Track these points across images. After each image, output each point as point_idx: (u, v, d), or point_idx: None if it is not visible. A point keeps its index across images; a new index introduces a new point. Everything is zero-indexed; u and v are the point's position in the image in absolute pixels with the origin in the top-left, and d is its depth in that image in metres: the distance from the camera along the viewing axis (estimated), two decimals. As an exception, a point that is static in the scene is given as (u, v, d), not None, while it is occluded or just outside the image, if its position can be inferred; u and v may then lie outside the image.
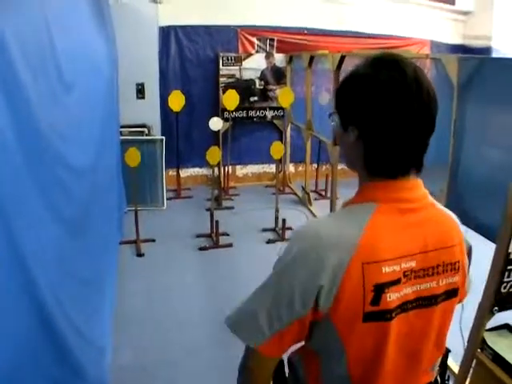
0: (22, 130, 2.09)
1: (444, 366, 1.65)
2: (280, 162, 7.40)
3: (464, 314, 2.48)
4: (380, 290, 1.27)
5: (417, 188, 1.37)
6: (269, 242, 6.31)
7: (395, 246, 1.30)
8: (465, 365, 2.56)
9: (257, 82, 8.43)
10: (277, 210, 6.60)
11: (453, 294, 1.43)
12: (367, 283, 1.26)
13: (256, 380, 1.47)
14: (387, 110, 1.24)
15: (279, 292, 1.32)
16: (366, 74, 1.30)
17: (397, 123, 1.25)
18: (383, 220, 1.30)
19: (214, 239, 6.24)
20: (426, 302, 1.38)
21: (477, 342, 2.48)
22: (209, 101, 8.41)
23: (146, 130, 7.57)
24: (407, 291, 1.33)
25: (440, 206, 1.45)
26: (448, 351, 1.62)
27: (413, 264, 1.32)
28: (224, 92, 7.78)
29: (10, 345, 1.90)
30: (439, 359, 1.56)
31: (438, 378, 1.61)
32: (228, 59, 8.17)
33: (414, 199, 1.35)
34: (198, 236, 6.43)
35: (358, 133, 1.32)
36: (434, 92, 1.30)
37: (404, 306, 1.34)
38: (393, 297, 1.30)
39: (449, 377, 1.74)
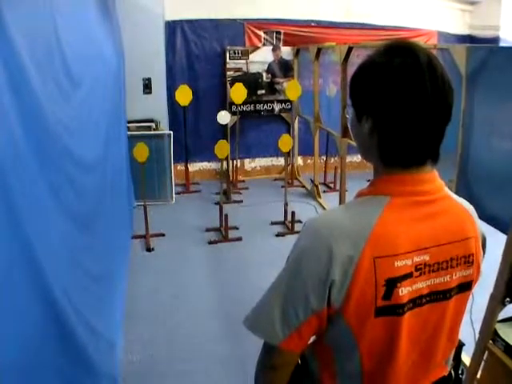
0: (30, 126, 2.09)
1: (458, 360, 1.64)
2: (288, 154, 7.40)
3: (475, 305, 2.47)
4: (392, 284, 1.26)
5: (432, 180, 1.35)
6: (278, 235, 6.31)
7: (408, 239, 1.28)
8: (476, 356, 2.55)
9: (264, 75, 8.42)
10: (286, 203, 6.60)
11: (466, 287, 1.41)
12: (379, 278, 1.25)
13: (281, 377, 1.47)
14: (401, 96, 1.22)
15: (293, 288, 1.31)
16: (378, 61, 1.28)
17: (411, 110, 1.22)
18: (396, 213, 1.28)
19: (223, 233, 6.24)
20: (439, 296, 1.36)
21: (488, 334, 2.47)
22: (216, 95, 8.41)
23: (153, 124, 7.56)
24: (420, 285, 1.32)
25: (456, 198, 1.43)
26: (462, 345, 1.61)
27: (426, 258, 1.31)
28: (231, 86, 7.77)
29: (21, 340, 1.90)
30: (453, 352, 1.55)
31: (452, 372, 1.60)
32: (235, 53, 8.16)
33: (429, 192, 1.32)
34: (207, 230, 6.44)
35: (373, 122, 1.30)
36: (449, 79, 1.28)
37: (417, 301, 1.33)
38: (405, 291, 1.28)
39: (463, 370, 1.72)
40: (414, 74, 1.22)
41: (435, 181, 1.35)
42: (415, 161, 1.30)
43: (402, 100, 1.22)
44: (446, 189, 1.39)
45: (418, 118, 1.23)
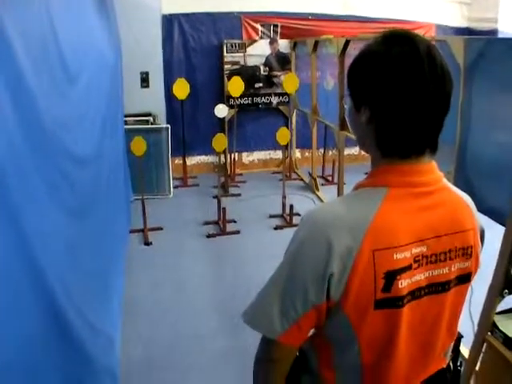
0: (26, 122, 2.08)
1: (456, 352, 1.64)
2: (286, 148, 7.40)
3: (474, 297, 2.47)
4: (391, 276, 1.26)
5: (431, 171, 1.34)
6: (276, 228, 6.32)
7: (407, 231, 1.27)
8: (475, 348, 2.56)
9: (261, 68, 8.41)
10: (284, 196, 6.59)
11: (465, 279, 1.41)
12: (378, 270, 1.24)
13: (280, 371, 1.46)
14: (399, 85, 1.21)
15: (292, 281, 1.31)
16: (376, 50, 1.27)
17: (409, 99, 1.21)
18: (395, 205, 1.28)
19: (221, 226, 6.25)
20: (438, 287, 1.36)
21: (487, 326, 2.47)
22: (214, 88, 8.39)
23: (151, 118, 7.55)
24: (419, 277, 1.31)
25: (455, 190, 1.43)
26: (461, 337, 1.61)
27: (424, 249, 1.30)
28: (229, 79, 7.78)
29: (19, 335, 1.90)
30: (451, 345, 1.55)
31: (451, 364, 1.60)
32: (232, 46, 8.15)
33: (428, 183, 1.31)
34: (206, 223, 6.44)
35: (371, 112, 1.28)
36: (448, 69, 1.26)
37: (416, 293, 1.32)
38: (404, 283, 1.28)
39: (461, 362, 1.72)
40: (413, 62, 1.21)
41: (434, 172, 1.34)
42: (414, 150, 1.29)
43: (400, 89, 1.21)
44: (445, 180, 1.38)
45: (417, 107, 1.22)
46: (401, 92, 1.21)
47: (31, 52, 2.26)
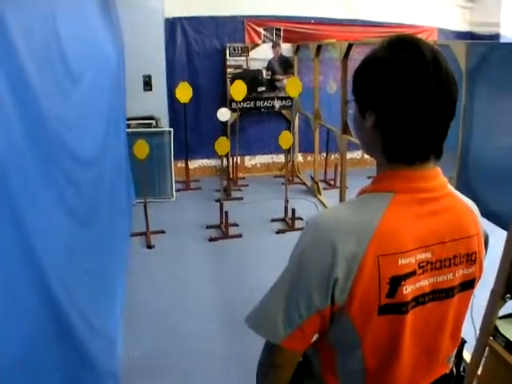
0: (29, 123, 2.09)
1: (459, 357, 1.64)
2: (289, 151, 7.40)
3: (476, 301, 2.47)
4: (396, 282, 1.26)
5: (436, 177, 1.34)
6: (278, 232, 6.31)
7: (412, 237, 1.27)
8: (477, 353, 2.55)
9: (264, 72, 8.41)
10: (286, 200, 6.59)
11: (469, 285, 1.41)
12: (383, 276, 1.24)
13: (283, 375, 1.46)
14: (404, 91, 1.21)
15: (296, 286, 1.31)
16: (382, 56, 1.27)
17: (415, 105, 1.21)
18: (400, 210, 1.28)
19: (223, 230, 6.25)
20: (442, 294, 1.36)
21: (489, 330, 2.47)
22: (216, 92, 8.40)
23: (153, 122, 7.56)
24: (423, 283, 1.31)
25: (459, 195, 1.43)
26: (464, 342, 1.61)
27: (428, 255, 1.30)
28: (231, 83, 7.78)
29: (20, 336, 1.90)
30: (455, 351, 1.54)
31: (454, 369, 1.60)
32: (235, 50, 8.15)
33: (433, 189, 1.32)
34: (208, 227, 6.44)
35: (376, 117, 1.29)
36: (453, 74, 1.27)
37: (420, 299, 1.32)
38: (408, 289, 1.28)
39: (464, 368, 1.72)
40: (419, 68, 1.21)
41: (438, 177, 1.35)
42: (419, 156, 1.29)
43: (406, 95, 1.21)
44: (449, 186, 1.39)
45: (422, 113, 1.22)
46: (406, 97, 1.21)
47: (34, 51, 2.27)
